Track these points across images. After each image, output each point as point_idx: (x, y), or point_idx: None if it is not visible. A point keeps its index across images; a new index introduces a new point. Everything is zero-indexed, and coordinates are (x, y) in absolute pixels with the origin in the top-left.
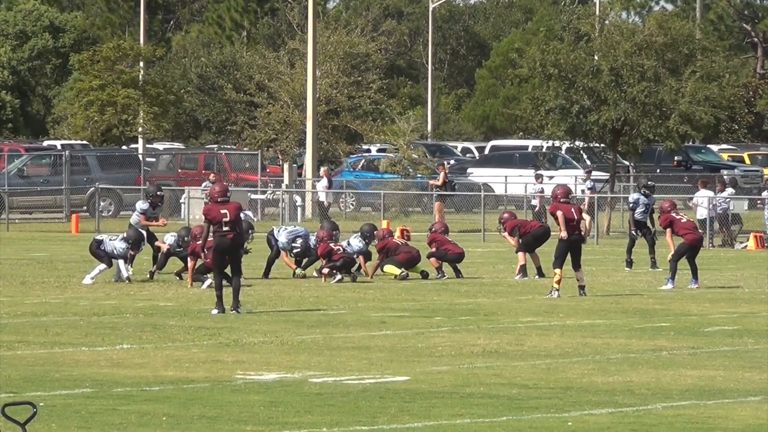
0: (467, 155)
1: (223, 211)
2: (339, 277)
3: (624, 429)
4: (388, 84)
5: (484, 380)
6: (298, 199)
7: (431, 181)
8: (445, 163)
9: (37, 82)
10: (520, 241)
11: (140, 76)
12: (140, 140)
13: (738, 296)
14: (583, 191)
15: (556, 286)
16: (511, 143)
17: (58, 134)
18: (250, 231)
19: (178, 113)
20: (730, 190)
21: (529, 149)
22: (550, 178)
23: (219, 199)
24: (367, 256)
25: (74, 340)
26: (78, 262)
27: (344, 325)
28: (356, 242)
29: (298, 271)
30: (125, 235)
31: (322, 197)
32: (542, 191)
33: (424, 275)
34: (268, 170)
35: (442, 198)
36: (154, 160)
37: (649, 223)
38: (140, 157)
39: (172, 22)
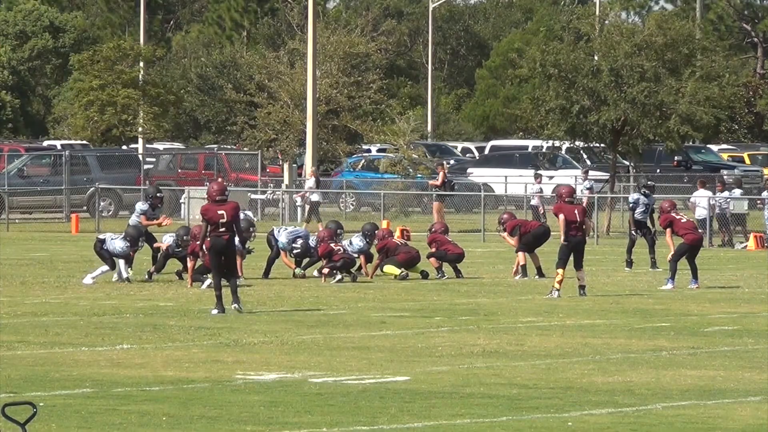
0: (467, 155)
1: (220, 212)
2: (339, 277)
3: (624, 429)
4: (388, 84)
5: (484, 380)
6: (298, 199)
7: (430, 182)
8: (445, 163)
9: (37, 82)
10: (521, 240)
11: (140, 76)
12: (140, 140)
13: (738, 296)
14: (582, 191)
15: (557, 286)
16: (511, 143)
17: (58, 134)
18: (251, 229)
19: (178, 113)
20: (737, 191)
21: (529, 149)
22: (550, 178)
23: (217, 198)
24: (369, 257)
25: (74, 340)
26: (78, 262)
27: (344, 325)
28: (357, 241)
29: (298, 270)
30: (124, 233)
31: (314, 197)
32: (541, 191)
33: (424, 275)
34: (268, 170)
35: (441, 198)
36: (154, 160)
37: (649, 223)
38: (140, 157)
39: (172, 22)
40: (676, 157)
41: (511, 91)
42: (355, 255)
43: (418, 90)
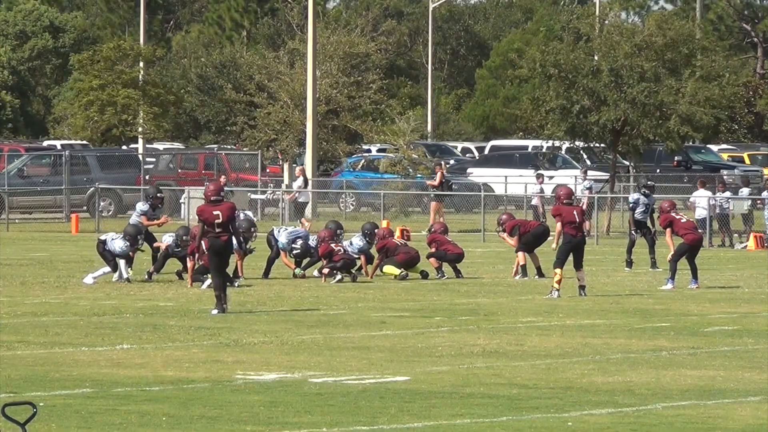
0: (467, 155)
1: (215, 213)
2: (339, 277)
3: (624, 429)
4: (388, 84)
5: (484, 380)
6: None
7: (428, 182)
8: (443, 163)
9: (37, 82)
10: (520, 240)
11: (140, 76)
12: (140, 140)
13: (738, 296)
14: (581, 191)
15: (556, 286)
16: (511, 143)
17: (58, 134)
18: (252, 230)
19: (178, 113)
20: (746, 189)
21: (529, 149)
22: (550, 178)
23: (212, 198)
24: (369, 257)
25: (74, 340)
26: (78, 262)
27: (344, 325)
28: (358, 241)
29: (298, 270)
30: (123, 232)
31: (301, 198)
32: (542, 191)
33: (424, 275)
34: (268, 170)
35: (439, 198)
36: (154, 160)
37: (649, 223)
38: (140, 157)
39: (172, 22)
40: (676, 157)
41: (511, 91)
42: (356, 255)
43: (418, 90)
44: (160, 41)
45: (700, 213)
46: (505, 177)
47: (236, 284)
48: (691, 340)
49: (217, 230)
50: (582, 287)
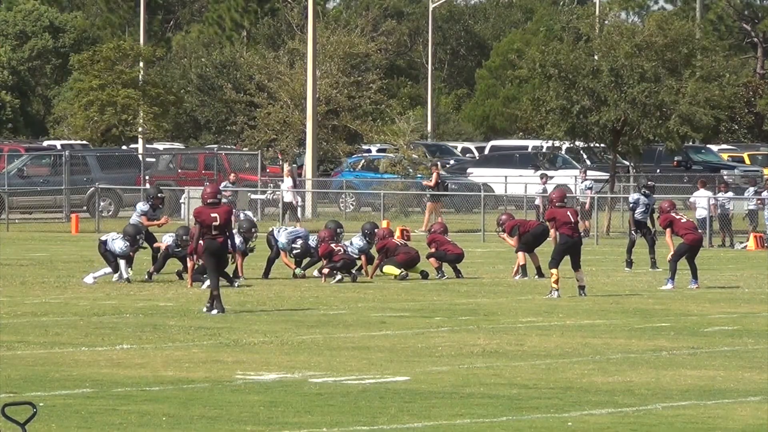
0: (467, 155)
1: (213, 215)
2: (339, 277)
3: (624, 429)
4: (388, 84)
5: (484, 380)
6: (298, 199)
7: (424, 182)
8: (439, 163)
9: (37, 82)
10: (520, 240)
11: (140, 77)
12: (140, 140)
13: (738, 296)
14: (581, 191)
15: (554, 286)
16: (511, 143)
17: (58, 134)
18: (253, 230)
19: (178, 113)
20: (752, 189)
21: (529, 149)
22: (550, 178)
23: (209, 201)
24: (369, 257)
25: (74, 340)
26: (78, 262)
27: (344, 325)
28: (358, 241)
29: (298, 271)
30: (123, 232)
31: (287, 197)
32: (545, 191)
33: (424, 275)
34: (268, 170)
35: (435, 198)
36: (154, 160)
37: (649, 223)
38: (140, 157)
39: (172, 22)
40: (676, 157)
41: (511, 91)
42: (356, 255)
43: (418, 90)
44: (160, 41)
45: (701, 213)
46: (505, 177)
47: (236, 284)
48: (691, 340)
49: (214, 232)
50: (582, 287)
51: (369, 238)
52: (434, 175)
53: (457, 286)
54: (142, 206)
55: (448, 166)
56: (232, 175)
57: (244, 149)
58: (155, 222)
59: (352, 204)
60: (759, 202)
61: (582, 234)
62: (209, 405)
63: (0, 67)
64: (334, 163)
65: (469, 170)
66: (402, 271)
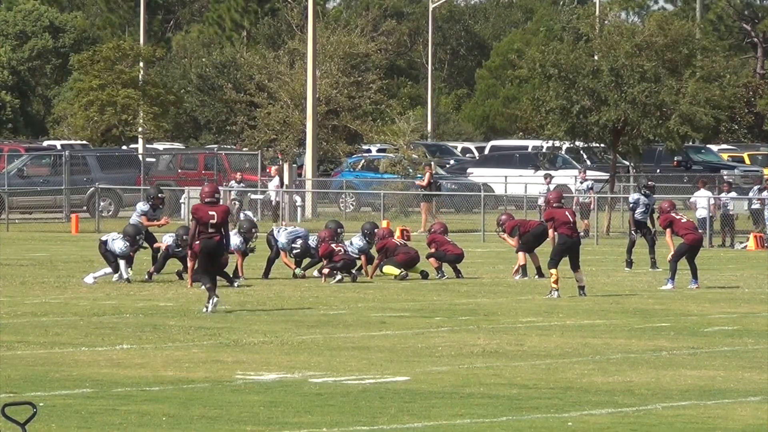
0: (467, 155)
1: (211, 213)
2: (339, 277)
3: (624, 429)
4: (388, 84)
5: (484, 380)
6: (298, 199)
7: (417, 182)
8: (432, 163)
9: (37, 82)
10: (521, 240)
11: (140, 76)
12: (140, 140)
13: (738, 296)
14: (581, 191)
15: (554, 286)
16: (511, 143)
17: (58, 134)
18: (253, 230)
19: (178, 113)
20: (756, 188)
21: (529, 149)
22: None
23: (206, 200)
24: (369, 257)
25: (74, 340)
26: (78, 262)
27: (344, 325)
28: (358, 241)
29: (298, 271)
30: (123, 232)
31: (272, 196)
32: (548, 191)
33: (424, 275)
34: (268, 170)
35: (428, 198)
36: (154, 160)
37: (649, 223)
38: (140, 157)
39: (172, 22)
40: (676, 157)
41: (511, 91)
42: (356, 255)
43: (418, 90)
44: (160, 41)
45: (701, 213)
46: (505, 177)
47: (236, 284)
48: (691, 340)
49: (210, 231)
50: (581, 287)
51: (369, 238)
52: (427, 175)
53: (457, 286)
54: (142, 206)
55: (448, 166)
56: (239, 174)
57: (244, 149)
58: (155, 222)
59: (352, 204)
60: (759, 201)
61: (581, 234)
62: (209, 405)
63: (0, 67)
64: (334, 163)
65: (469, 170)
66: (402, 271)
